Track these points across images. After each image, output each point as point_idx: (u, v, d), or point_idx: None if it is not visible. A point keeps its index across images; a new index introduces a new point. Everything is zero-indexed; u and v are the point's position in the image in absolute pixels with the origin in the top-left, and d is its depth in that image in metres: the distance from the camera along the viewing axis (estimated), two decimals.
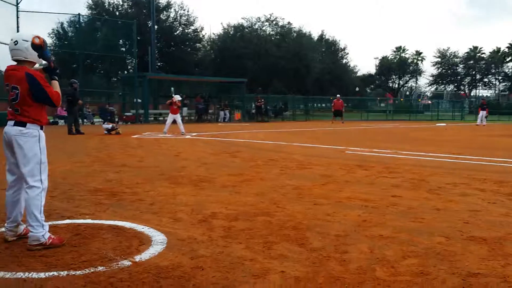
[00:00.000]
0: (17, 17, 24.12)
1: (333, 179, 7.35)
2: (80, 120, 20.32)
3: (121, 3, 44.12)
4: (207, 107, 35.17)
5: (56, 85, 4.03)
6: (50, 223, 4.16)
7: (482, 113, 31.42)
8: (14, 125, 3.85)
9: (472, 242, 4.00)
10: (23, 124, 3.84)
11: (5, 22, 23.91)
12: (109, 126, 18.28)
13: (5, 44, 23.20)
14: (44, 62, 4.01)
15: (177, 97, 18.39)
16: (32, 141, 3.86)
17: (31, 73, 3.83)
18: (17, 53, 3.86)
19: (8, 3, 23.58)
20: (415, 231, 4.31)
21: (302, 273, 3.28)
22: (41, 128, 3.96)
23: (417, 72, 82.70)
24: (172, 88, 19.45)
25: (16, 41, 3.84)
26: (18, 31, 23.91)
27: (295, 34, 51.05)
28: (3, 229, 4.15)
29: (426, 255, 3.65)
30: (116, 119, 19.70)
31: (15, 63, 3.90)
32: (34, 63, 3.97)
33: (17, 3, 24.17)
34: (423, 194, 6.14)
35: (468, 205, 5.47)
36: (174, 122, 18.26)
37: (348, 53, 65.32)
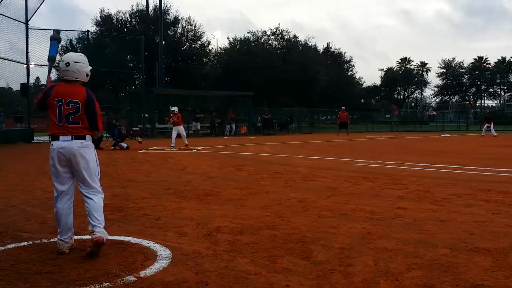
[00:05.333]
0: (27, 35, 24.40)
1: (338, 192, 7.36)
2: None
3: (129, 19, 44.60)
4: (221, 121, 35.21)
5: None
6: (55, 239, 4.21)
7: (487, 125, 31.60)
8: (74, 139, 4.09)
9: (476, 253, 4.00)
10: (83, 137, 4.14)
11: (14, 40, 24.20)
12: (113, 142, 18.33)
13: (13, 61, 23.55)
14: None
15: (174, 109, 18.67)
16: (92, 152, 4.22)
17: (91, 93, 4.19)
18: (69, 74, 4.18)
19: (17, 21, 23.88)
20: (420, 243, 4.32)
21: (306, 287, 3.29)
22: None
23: (422, 83, 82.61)
24: (170, 107, 19.89)
25: (67, 63, 4.16)
26: (27, 49, 24.25)
27: (300, 47, 51.27)
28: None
29: (430, 267, 3.66)
30: (125, 133, 19.55)
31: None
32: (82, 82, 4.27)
33: (27, 21, 24.46)
34: (428, 205, 6.14)
35: (473, 216, 5.47)
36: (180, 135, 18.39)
37: (353, 65, 65.31)
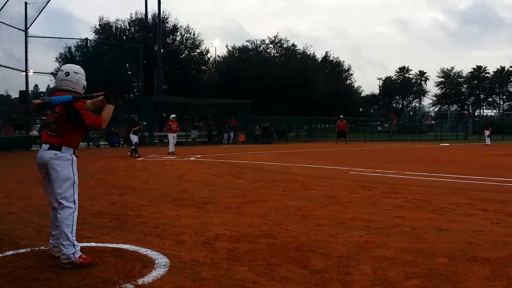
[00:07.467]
0: (26, 42, 24.49)
1: (337, 200, 7.36)
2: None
3: (128, 27, 44.72)
4: (221, 130, 35.17)
5: (107, 109, 4.21)
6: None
7: (486, 133, 31.72)
8: (49, 149, 4.02)
9: (475, 262, 3.99)
10: (58, 148, 4.03)
11: (13, 47, 24.28)
12: (135, 139, 18.18)
13: (12, 68, 23.58)
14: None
15: (174, 116, 18.87)
16: (66, 164, 4.04)
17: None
18: (67, 84, 4.15)
19: (17, 28, 23.96)
20: (418, 252, 4.31)
21: None
22: (73, 153, 4.13)
23: (420, 93, 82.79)
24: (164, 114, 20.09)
25: (67, 72, 4.15)
26: (26, 57, 24.32)
27: (299, 56, 51.42)
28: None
29: (428, 276, 3.65)
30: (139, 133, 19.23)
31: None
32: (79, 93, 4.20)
33: (26, 29, 24.55)
34: (426, 214, 6.14)
35: (471, 225, 5.47)
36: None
37: (352, 74, 65.54)
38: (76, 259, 3.88)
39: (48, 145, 4.04)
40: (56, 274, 3.72)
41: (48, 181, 4.08)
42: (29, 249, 4.44)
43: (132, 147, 18.17)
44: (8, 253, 4.33)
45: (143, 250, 4.41)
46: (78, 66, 4.31)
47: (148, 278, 3.61)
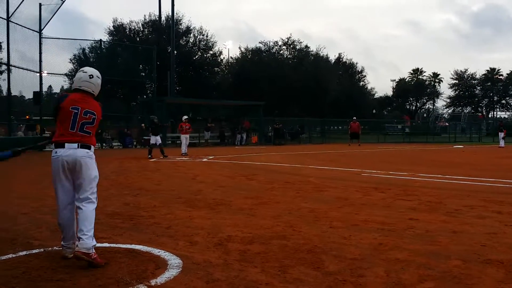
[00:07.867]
0: (40, 44, 24.74)
1: (350, 202, 7.32)
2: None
3: (141, 29, 44.98)
4: (233, 131, 35.17)
5: None
6: None
7: (500, 135, 31.51)
8: (81, 147, 4.15)
9: (488, 265, 3.95)
10: (89, 147, 4.22)
11: (27, 49, 24.54)
12: (156, 140, 17.80)
13: (27, 69, 23.83)
14: None
15: (184, 118, 18.84)
16: (94, 162, 4.28)
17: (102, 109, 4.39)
18: (88, 86, 4.32)
19: (31, 30, 24.22)
20: (432, 254, 4.28)
21: None
22: None
23: (434, 94, 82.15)
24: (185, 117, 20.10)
25: (91, 75, 4.33)
26: (40, 58, 24.59)
27: (312, 58, 51.32)
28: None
29: (442, 279, 3.62)
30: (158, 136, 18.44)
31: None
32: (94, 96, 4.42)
33: (40, 30, 24.81)
34: (440, 217, 6.08)
35: (485, 227, 5.41)
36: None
37: (365, 76, 65.29)
38: (93, 253, 3.92)
39: (77, 143, 4.13)
40: (69, 275, 3.74)
41: (75, 179, 4.15)
42: (42, 250, 4.47)
43: (160, 149, 18.00)
44: (21, 253, 4.36)
45: (156, 251, 4.42)
46: (98, 72, 4.49)
47: (161, 279, 3.62)
